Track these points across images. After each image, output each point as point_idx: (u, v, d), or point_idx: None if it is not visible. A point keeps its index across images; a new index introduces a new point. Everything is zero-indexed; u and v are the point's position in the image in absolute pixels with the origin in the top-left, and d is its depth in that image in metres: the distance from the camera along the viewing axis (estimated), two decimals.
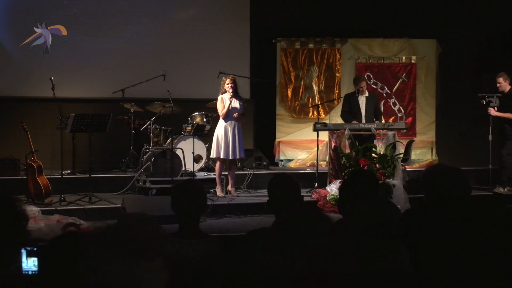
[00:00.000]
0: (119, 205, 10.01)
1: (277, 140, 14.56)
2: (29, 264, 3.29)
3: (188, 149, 12.05)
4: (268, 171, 13.24)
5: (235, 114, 11.41)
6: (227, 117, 11.39)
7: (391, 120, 14.11)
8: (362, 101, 12.51)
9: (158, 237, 1.95)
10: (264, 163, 13.59)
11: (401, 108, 14.65)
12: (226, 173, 11.75)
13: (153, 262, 1.89)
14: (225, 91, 11.47)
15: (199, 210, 4.12)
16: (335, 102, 14.33)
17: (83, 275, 1.90)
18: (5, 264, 2.92)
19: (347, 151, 11.66)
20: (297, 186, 4.32)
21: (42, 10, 13.47)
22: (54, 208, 9.78)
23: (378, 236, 3.47)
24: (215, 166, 11.87)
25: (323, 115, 14.21)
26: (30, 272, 3.28)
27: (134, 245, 1.89)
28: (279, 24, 14.98)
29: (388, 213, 3.57)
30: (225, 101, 11.42)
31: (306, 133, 14.39)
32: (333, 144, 11.85)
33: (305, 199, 11.52)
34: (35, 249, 3.26)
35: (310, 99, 14.58)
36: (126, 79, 13.07)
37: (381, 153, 11.50)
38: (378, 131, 11.88)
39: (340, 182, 11.21)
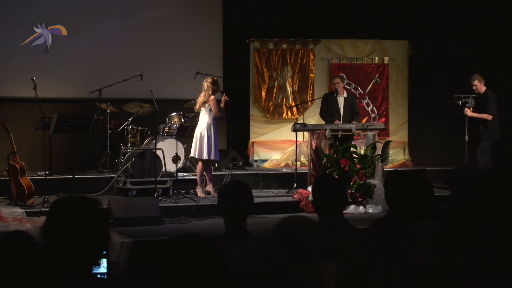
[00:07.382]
0: (104, 206, 9.83)
1: (251, 140, 14.49)
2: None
3: (167, 150, 11.90)
4: (244, 172, 13.21)
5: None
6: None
7: (364, 120, 14.14)
8: (340, 101, 12.49)
9: (329, 240, 1.90)
10: (240, 163, 13.55)
11: (374, 108, 14.72)
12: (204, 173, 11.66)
13: (327, 266, 1.84)
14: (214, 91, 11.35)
15: (246, 210, 4.06)
16: (309, 103, 14.33)
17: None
18: (90, 268, 2.84)
19: (327, 151, 11.68)
20: (342, 187, 4.31)
21: (11, 8, 13.21)
22: (38, 210, 9.55)
23: None
24: (193, 166, 11.74)
25: (297, 116, 14.18)
26: (100, 275, 3.20)
27: (308, 246, 1.84)
28: (252, 24, 14.93)
29: None
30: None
31: (279, 133, 14.42)
32: (313, 145, 11.82)
33: (286, 199, 11.52)
34: (104, 252, 3.17)
35: (284, 100, 14.56)
36: (103, 79, 12.87)
37: (361, 153, 11.54)
38: (358, 131, 11.92)
39: None
